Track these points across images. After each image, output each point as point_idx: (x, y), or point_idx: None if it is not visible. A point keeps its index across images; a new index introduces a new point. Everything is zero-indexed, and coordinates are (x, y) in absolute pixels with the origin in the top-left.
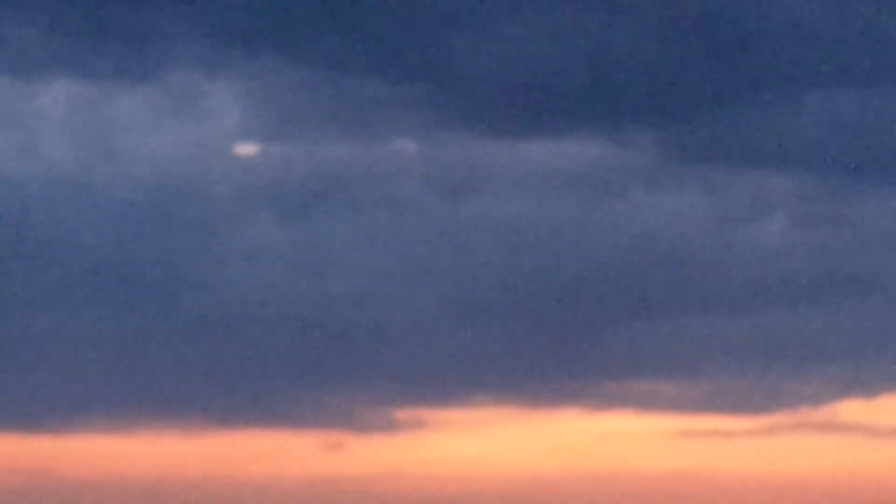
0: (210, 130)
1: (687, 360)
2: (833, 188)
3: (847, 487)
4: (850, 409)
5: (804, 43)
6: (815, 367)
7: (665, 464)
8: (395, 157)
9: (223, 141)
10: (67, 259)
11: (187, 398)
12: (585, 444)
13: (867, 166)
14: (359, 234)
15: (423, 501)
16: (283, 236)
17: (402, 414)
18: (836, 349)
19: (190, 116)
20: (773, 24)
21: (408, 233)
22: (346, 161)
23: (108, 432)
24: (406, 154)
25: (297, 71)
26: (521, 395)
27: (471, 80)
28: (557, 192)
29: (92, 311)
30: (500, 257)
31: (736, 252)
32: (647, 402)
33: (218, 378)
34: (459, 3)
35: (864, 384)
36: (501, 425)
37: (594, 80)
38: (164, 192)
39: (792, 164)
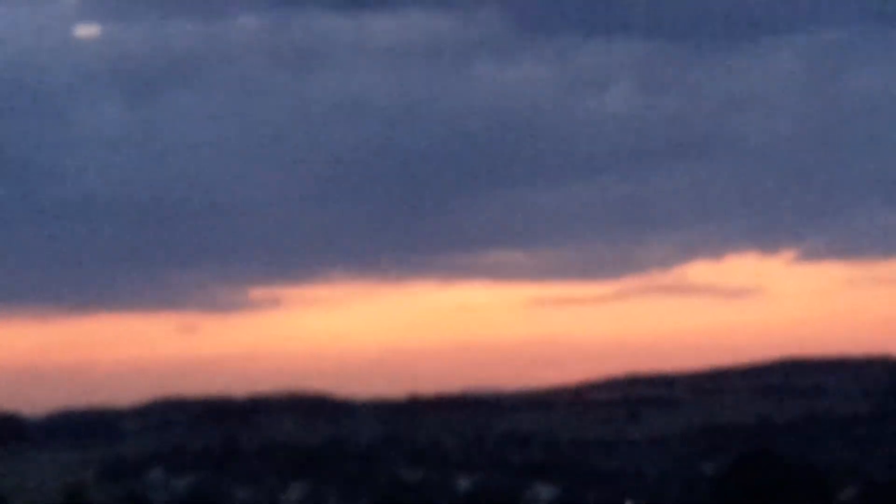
0: (48, 12)
1: (537, 229)
2: (673, 54)
3: (698, 346)
4: (699, 270)
5: None
6: (663, 231)
7: (518, 332)
8: (239, 34)
9: (63, 23)
10: None
11: (37, 285)
12: (440, 315)
13: (706, 32)
14: (205, 113)
15: (281, 379)
16: (129, 118)
17: (257, 293)
18: (683, 213)
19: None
20: None
21: (254, 111)
22: (189, 40)
23: None
24: (250, 31)
25: None
26: (376, 269)
27: None
28: (404, 65)
29: None
30: (349, 132)
31: (582, 120)
32: (499, 273)
33: (68, 264)
34: None
35: (711, 246)
36: (357, 300)
37: None
38: (3, 77)
39: (633, 30)
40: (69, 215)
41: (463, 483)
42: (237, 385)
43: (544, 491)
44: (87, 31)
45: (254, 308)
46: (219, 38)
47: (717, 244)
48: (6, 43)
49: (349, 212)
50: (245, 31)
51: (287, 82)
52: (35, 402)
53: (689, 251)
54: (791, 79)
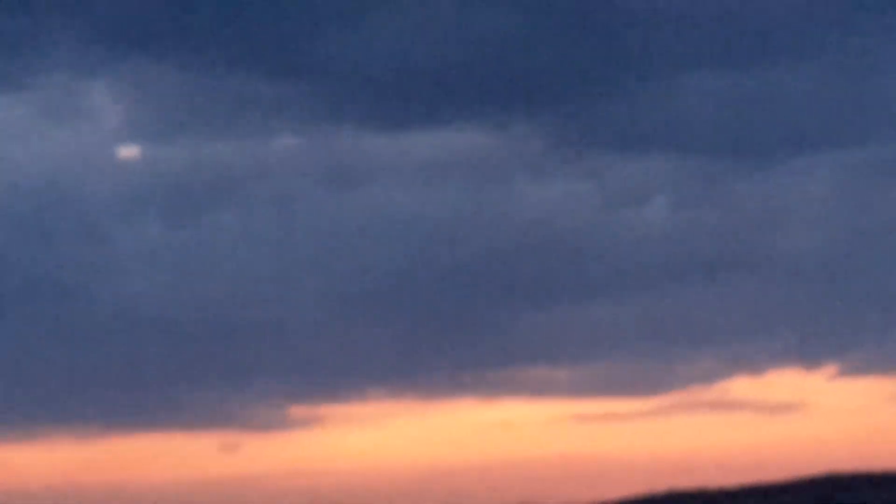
0: (92, 134)
1: (578, 345)
2: (711, 170)
3: (740, 462)
4: (740, 386)
5: (679, 27)
6: (704, 346)
7: (560, 448)
8: (278, 153)
9: (105, 144)
10: None
11: (82, 405)
12: (481, 432)
13: (744, 147)
14: (246, 232)
15: (321, 497)
16: (170, 238)
17: (297, 411)
18: (724, 328)
19: (70, 120)
20: (648, 10)
21: (295, 228)
22: (229, 160)
23: (2, 443)
24: (289, 150)
25: (176, 72)
26: (416, 386)
27: (350, 73)
28: (443, 182)
29: None
30: (389, 249)
31: (620, 235)
32: (541, 389)
33: (111, 383)
34: (335, 2)
35: (753, 361)
36: (397, 418)
37: (474, 70)
38: (47, 198)
39: (671, 147)
40: (110, 335)
41: None
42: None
43: None
44: (128, 151)
45: (294, 426)
46: (258, 157)
47: (758, 359)
48: (47, 164)
49: (389, 329)
50: (284, 150)
51: (326, 200)
52: None
53: (731, 366)
54: (829, 194)
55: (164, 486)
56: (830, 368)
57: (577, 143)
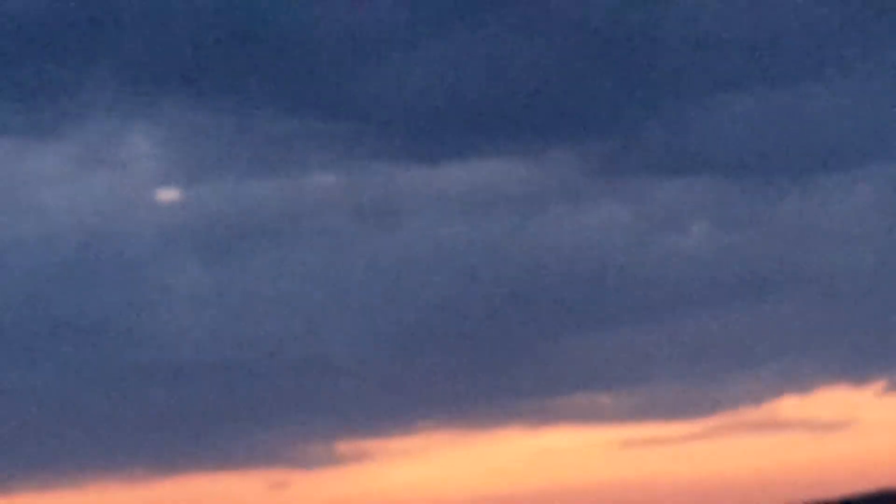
0: (130, 179)
1: (623, 370)
2: (751, 190)
3: (791, 482)
4: (789, 405)
5: (711, 48)
6: (751, 366)
7: (608, 475)
8: (316, 190)
9: (144, 188)
10: None
11: (129, 448)
12: (528, 461)
13: (782, 166)
14: (286, 270)
15: None
16: (212, 279)
17: (345, 446)
18: (770, 347)
19: (108, 166)
20: (682, 32)
21: (335, 265)
22: (268, 200)
23: (53, 489)
24: (327, 187)
25: (212, 113)
26: (461, 418)
27: (384, 109)
28: (482, 213)
29: (24, 369)
30: (430, 282)
31: (662, 259)
32: (587, 415)
33: (156, 426)
34: (364, 37)
35: (801, 380)
36: (444, 450)
37: (508, 101)
38: (90, 244)
39: (709, 169)
40: (153, 378)
41: None
42: None
43: None
44: (167, 194)
45: (342, 462)
46: (296, 195)
47: (805, 378)
48: (87, 211)
49: (433, 361)
50: (322, 187)
51: (366, 235)
52: None
53: (778, 386)
54: (869, 210)
55: None
56: (879, 384)
57: (615, 169)
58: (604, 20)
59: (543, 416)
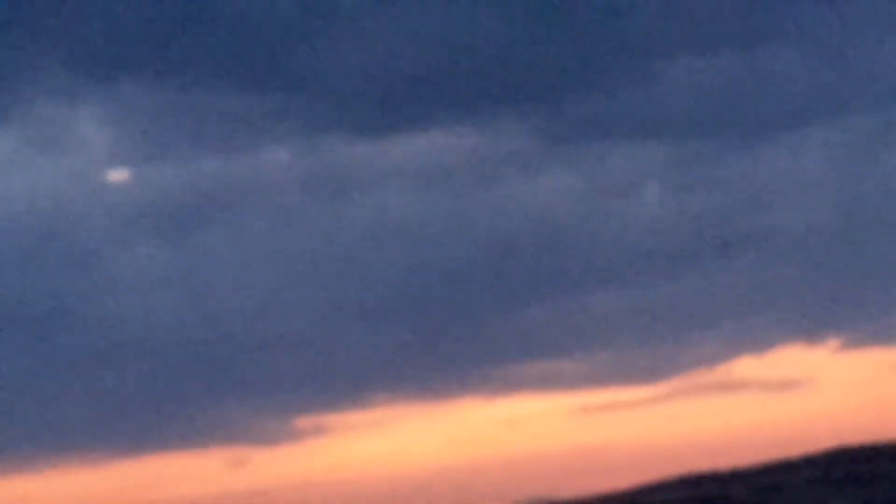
0: (80, 160)
1: (580, 336)
2: (701, 152)
3: (750, 442)
4: (745, 366)
5: (657, 12)
6: (705, 329)
7: (569, 441)
8: (268, 166)
9: (95, 169)
10: None
11: (86, 431)
12: (488, 430)
13: (731, 128)
14: (240, 247)
15: None
16: (165, 258)
17: (303, 422)
18: (724, 310)
19: (58, 148)
20: None
21: (288, 240)
22: (219, 177)
23: (13, 473)
24: (277, 162)
25: (160, 92)
26: (420, 389)
27: (333, 83)
28: (433, 185)
29: None
30: (382, 255)
31: (616, 225)
32: (544, 383)
33: (114, 407)
34: (313, 11)
35: (756, 340)
36: (403, 422)
37: (455, 70)
38: (41, 227)
39: (659, 133)
40: (109, 359)
41: None
42: None
43: None
44: (117, 175)
45: (301, 437)
46: (247, 171)
47: (760, 338)
48: (38, 193)
49: (389, 334)
50: (273, 162)
51: (318, 210)
52: None
53: (733, 347)
54: (821, 168)
55: None
56: (834, 342)
57: (565, 137)
58: None
59: (502, 384)
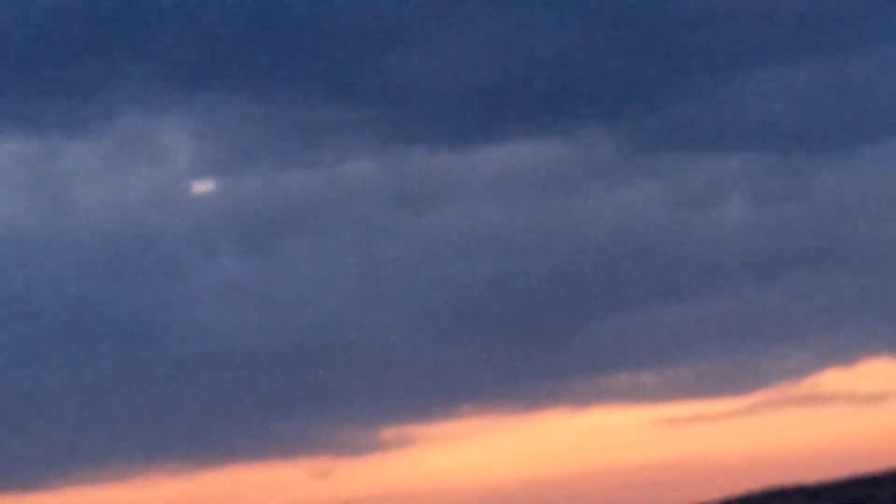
0: (165, 172)
1: (664, 348)
2: (788, 164)
3: (837, 455)
4: (831, 379)
5: (744, 23)
6: (791, 342)
7: (653, 454)
8: (351, 178)
9: (180, 180)
10: (36, 315)
11: (173, 441)
12: (573, 442)
13: (819, 139)
14: (324, 259)
15: None
16: (248, 270)
17: (388, 433)
18: (810, 322)
19: (144, 160)
20: (713, 7)
21: (372, 252)
22: (304, 188)
23: (100, 483)
24: (362, 174)
25: (246, 104)
26: (505, 400)
27: (417, 94)
28: (519, 195)
29: (65, 366)
30: (469, 266)
31: (700, 236)
32: (630, 395)
33: (200, 418)
34: (394, 23)
35: (843, 354)
36: (488, 434)
37: (541, 81)
38: (126, 238)
39: (744, 143)
40: (194, 370)
41: None
42: None
43: None
44: (202, 187)
45: (386, 448)
46: (331, 184)
47: (847, 351)
48: (123, 205)
49: (475, 345)
50: (357, 175)
51: (402, 222)
52: None
53: (820, 360)
54: None
55: None
56: None
57: (649, 147)
58: None
59: (587, 396)
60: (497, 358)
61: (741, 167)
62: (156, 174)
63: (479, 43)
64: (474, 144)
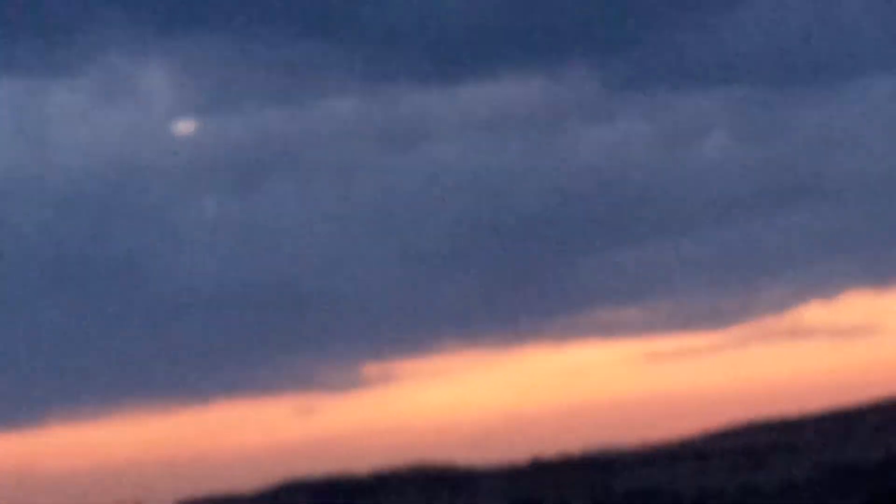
0: (145, 111)
1: (647, 283)
2: (769, 99)
3: (818, 388)
4: (812, 312)
5: None
6: (773, 276)
7: (635, 387)
8: (333, 116)
9: (161, 121)
10: (22, 254)
11: (157, 379)
12: (555, 377)
13: (799, 74)
14: (306, 197)
15: (401, 453)
16: (231, 209)
17: (370, 369)
18: (792, 256)
19: (125, 101)
20: None
21: (354, 191)
22: (285, 127)
23: (83, 421)
24: (343, 112)
25: (226, 43)
26: (487, 336)
27: (398, 32)
28: (499, 133)
29: (48, 306)
30: (450, 204)
31: (683, 173)
32: (612, 330)
33: (183, 357)
34: None
35: (823, 287)
36: (470, 370)
37: (522, 18)
38: (109, 178)
39: (726, 80)
40: (179, 309)
41: None
42: (359, 463)
43: None
44: (184, 126)
45: (368, 384)
46: (314, 122)
47: (828, 285)
48: (104, 145)
49: (457, 282)
50: (338, 112)
51: (384, 160)
52: (160, 493)
53: (801, 294)
54: (892, 114)
55: (244, 452)
56: None
57: (632, 84)
58: None
59: (569, 332)
60: (479, 296)
61: (722, 103)
62: (135, 114)
63: None
64: (458, 82)
